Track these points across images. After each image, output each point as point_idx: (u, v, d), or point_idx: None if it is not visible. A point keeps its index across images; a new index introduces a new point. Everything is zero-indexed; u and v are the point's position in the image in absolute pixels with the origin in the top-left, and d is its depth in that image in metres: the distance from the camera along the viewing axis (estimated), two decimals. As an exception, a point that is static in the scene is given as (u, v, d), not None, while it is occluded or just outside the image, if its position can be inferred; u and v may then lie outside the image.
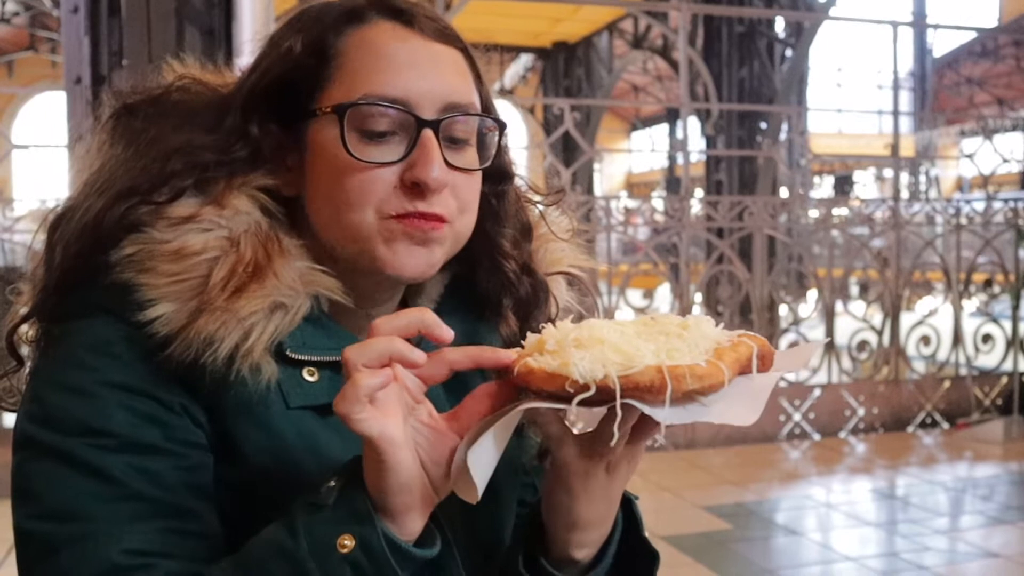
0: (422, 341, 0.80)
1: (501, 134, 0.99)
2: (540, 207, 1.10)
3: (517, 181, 1.07)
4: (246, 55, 1.01)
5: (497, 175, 1.02)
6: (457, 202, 0.92)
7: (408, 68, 0.90)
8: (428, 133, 0.89)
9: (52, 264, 0.90)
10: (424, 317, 0.79)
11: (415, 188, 0.89)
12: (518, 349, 0.81)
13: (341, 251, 0.92)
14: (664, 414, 0.74)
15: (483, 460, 0.77)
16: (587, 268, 1.12)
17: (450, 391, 0.93)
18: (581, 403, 0.75)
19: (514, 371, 0.78)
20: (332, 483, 0.78)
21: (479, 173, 0.96)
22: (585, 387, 0.74)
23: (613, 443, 0.79)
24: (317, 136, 0.91)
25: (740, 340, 0.80)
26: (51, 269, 0.90)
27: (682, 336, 0.78)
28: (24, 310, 0.92)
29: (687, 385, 0.73)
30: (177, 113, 0.95)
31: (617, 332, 0.78)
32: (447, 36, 0.94)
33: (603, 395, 0.74)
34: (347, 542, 0.75)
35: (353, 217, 0.90)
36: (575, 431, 0.86)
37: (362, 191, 0.89)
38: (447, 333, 0.79)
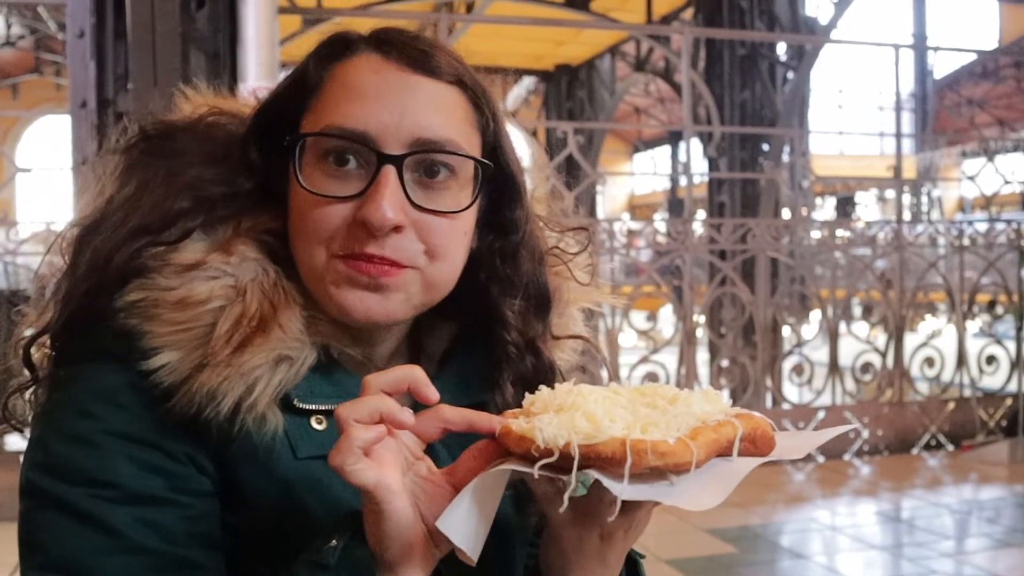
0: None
1: (503, 177, 0.94)
2: (556, 238, 1.05)
3: (543, 236, 1.01)
4: (251, 79, 1.00)
5: (501, 228, 0.96)
6: (426, 246, 0.88)
7: (373, 100, 0.86)
8: (388, 169, 0.85)
9: (72, 286, 0.89)
10: (414, 374, 0.78)
11: (362, 227, 0.85)
12: (511, 412, 0.80)
13: (311, 291, 0.89)
14: (622, 488, 0.72)
15: (461, 522, 0.76)
16: (599, 302, 1.08)
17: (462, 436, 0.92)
18: (546, 468, 0.73)
19: (496, 432, 0.78)
20: (334, 542, 0.77)
21: (464, 217, 0.91)
22: (549, 452, 0.73)
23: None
24: (291, 170, 0.89)
25: (728, 420, 0.77)
26: (70, 291, 0.89)
27: (666, 410, 0.76)
28: (32, 330, 0.92)
29: (649, 461, 0.71)
30: (199, 147, 0.94)
31: (606, 399, 0.77)
32: (434, 69, 0.89)
33: (566, 462, 0.72)
34: None
35: (310, 253, 0.87)
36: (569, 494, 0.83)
37: (316, 225, 0.86)
38: (433, 394, 0.78)
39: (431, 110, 0.88)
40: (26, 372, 0.93)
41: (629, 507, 0.78)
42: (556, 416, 0.75)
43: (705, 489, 0.74)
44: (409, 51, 0.89)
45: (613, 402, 0.78)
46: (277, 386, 0.84)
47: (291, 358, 0.85)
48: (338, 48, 0.91)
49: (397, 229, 0.86)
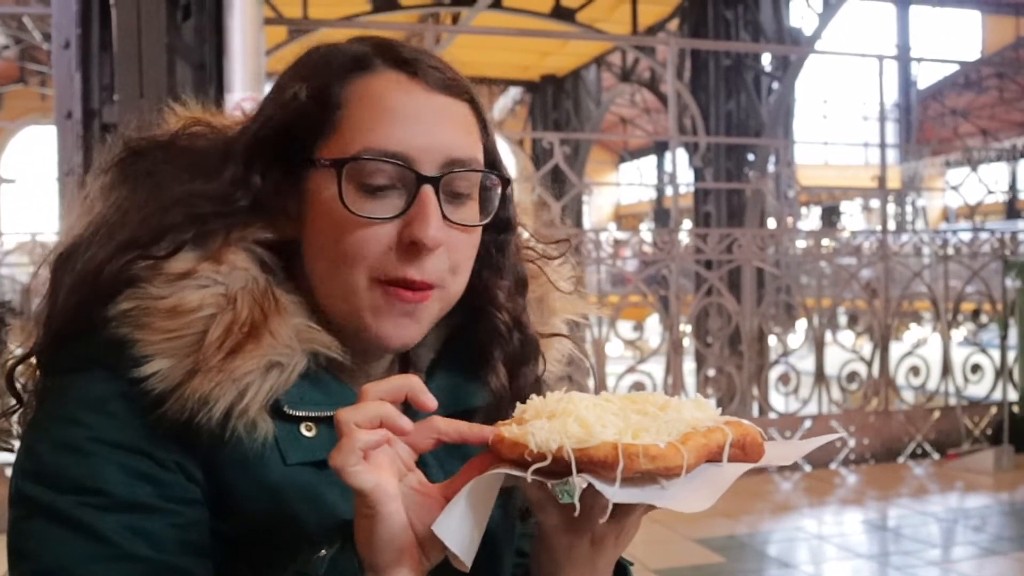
0: (409, 408, 0.80)
1: (505, 188, 0.97)
2: (541, 254, 1.08)
3: (521, 232, 1.06)
4: (237, 89, 1.00)
5: (500, 226, 1.00)
6: (451, 262, 0.91)
7: (409, 122, 0.89)
8: (427, 189, 0.88)
9: (55, 306, 0.90)
10: (411, 383, 0.80)
11: (411, 247, 0.87)
12: (502, 423, 0.81)
13: (332, 309, 0.91)
14: (614, 491, 0.73)
15: (455, 527, 0.77)
16: (584, 314, 1.11)
17: (449, 450, 0.93)
18: (538, 472, 0.74)
19: (489, 440, 0.79)
20: (323, 552, 0.78)
21: (479, 229, 0.95)
22: (542, 456, 0.74)
23: (610, 530, 0.78)
24: (316, 187, 0.90)
25: (718, 427, 0.79)
26: (53, 311, 0.90)
27: (657, 417, 0.78)
28: (21, 350, 0.92)
29: (640, 464, 0.73)
30: (182, 159, 0.94)
31: (597, 406, 0.79)
32: (452, 88, 0.92)
33: (559, 466, 0.74)
34: None
35: (347, 275, 0.89)
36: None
37: (357, 247, 0.88)
38: (431, 401, 0.79)
39: (457, 129, 0.92)
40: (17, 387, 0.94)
41: (620, 513, 0.79)
42: (548, 422, 0.76)
43: (696, 493, 0.75)
44: (430, 71, 0.92)
45: (604, 408, 0.79)
46: (268, 392, 0.85)
47: (282, 364, 0.86)
48: (358, 65, 0.92)
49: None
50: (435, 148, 0.89)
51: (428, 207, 0.88)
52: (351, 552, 0.78)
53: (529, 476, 0.74)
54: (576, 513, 0.76)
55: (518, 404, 0.82)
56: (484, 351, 1.01)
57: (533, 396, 0.82)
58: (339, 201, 0.87)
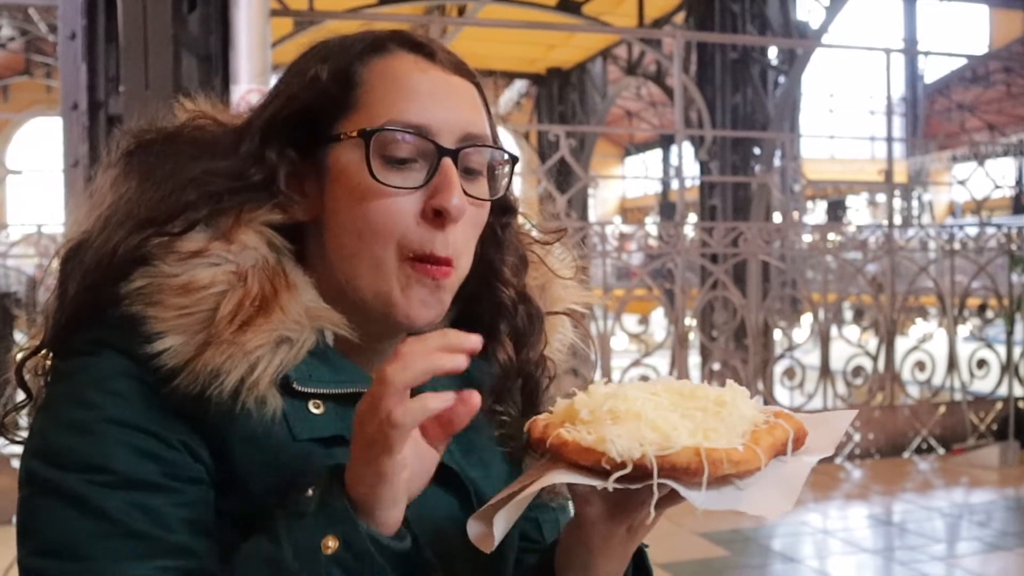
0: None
1: (512, 167, 1.00)
2: (543, 243, 1.10)
3: (520, 216, 1.08)
4: (243, 81, 1.01)
5: (504, 208, 1.03)
6: (463, 237, 0.93)
7: (429, 98, 0.92)
8: (448, 161, 0.91)
9: (65, 296, 0.91)
10: (448, 337, 0.79)
11: (436, 217, 0.90)
12: (545, 416, 0.82)
13: (356, 288, 0.92)
14: (700, 497, 0.75)
15: (505, 523, 0.79)
16: (587, 304, 1.13)
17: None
18: (618, 480, 0.75)
19: (547, 442, 0.80)
20: (310, 493, 0.80)
21: (487, 207, 0.97)
22: (622, 465, 0.75)
23: (649, 521, 0.81)
24: (339, 161, 0.92)
25: (776, 423, 0.81)
26: (64, 301, 0.91)
27: (719, 414, 0.79)
28: (31, 344, 0.93)
29: (724, 470, 0.74)
30: (193, 146, 0.96)
31: (652, 405, 0.79)
32: (463, 70, 0.97)
33: (638, 472, 0.75)
34: (331, 543, 0.78)
35: (375, 249, 0.91)
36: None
37: (384, 218, 0.90)
38: (475, 342, 0.79)
39: (471, 108, 0.95)
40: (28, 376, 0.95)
41: (662, 503, 0.81)
42: (620, 427, 0.77)
43: (772, 492, 0.78)
44: (444, 53, 0.96)
45: (657, 404, 0.80)
46: (278, 367, 0.86)
47: (291, 340, 0.88)
48: (375, 47, 0.95)
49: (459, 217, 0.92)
50: (454, 123, 0.92)
51: (451, 177, 0.90)
52: (339, 493, 0.79)
53: (611, 485, 0.75)
54: (650, 520, 0.80)
55: (558, 400, 0.84)
56: (490, 325, 1.03)
57: (575, 390, 0.84)
58: (365, 173, 0.89)
